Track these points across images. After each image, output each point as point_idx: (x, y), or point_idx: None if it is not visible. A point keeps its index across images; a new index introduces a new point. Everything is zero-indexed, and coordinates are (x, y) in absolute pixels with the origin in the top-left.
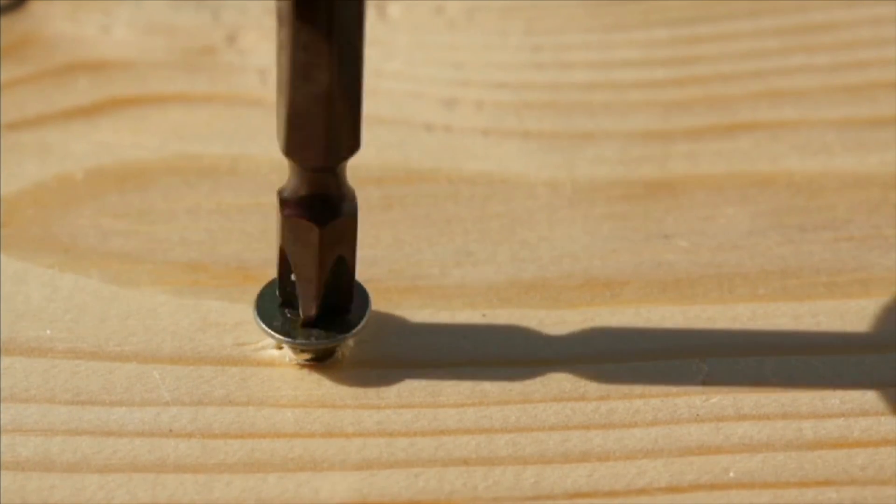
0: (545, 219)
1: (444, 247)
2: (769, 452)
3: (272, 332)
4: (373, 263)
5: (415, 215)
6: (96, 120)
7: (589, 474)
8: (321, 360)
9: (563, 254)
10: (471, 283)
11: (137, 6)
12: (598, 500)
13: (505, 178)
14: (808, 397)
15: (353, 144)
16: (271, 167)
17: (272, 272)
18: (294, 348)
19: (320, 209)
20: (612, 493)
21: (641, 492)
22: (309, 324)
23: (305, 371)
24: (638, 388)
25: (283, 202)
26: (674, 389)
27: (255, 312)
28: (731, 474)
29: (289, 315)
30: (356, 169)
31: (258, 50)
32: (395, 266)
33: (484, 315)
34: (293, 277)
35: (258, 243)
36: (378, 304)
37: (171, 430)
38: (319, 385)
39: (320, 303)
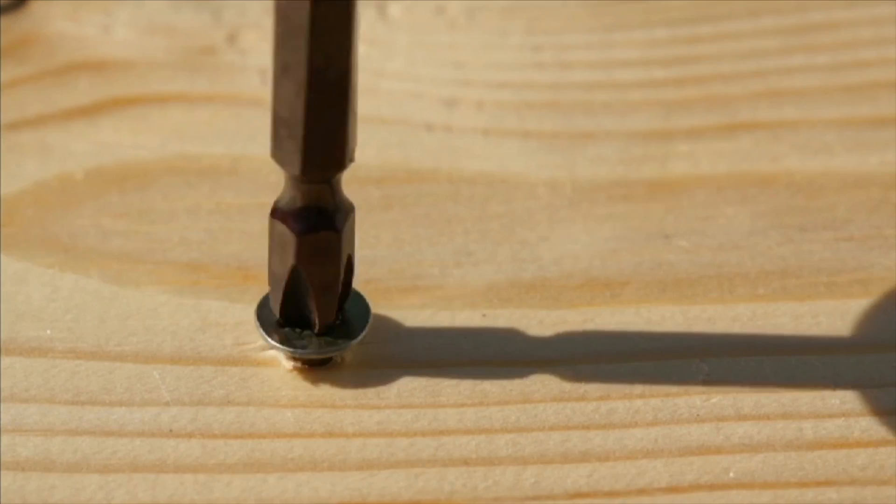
0: (545, 219)
1: (444, 247)
2: (769, 452)
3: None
4: (373, 263)
5: (415, 215)
6: (96, 120)
7: (589, 474)
8: (319, 365)
9: (563, 254)
10: (471, 283)
11: (137, 6)
12: (598, 500)
13: (505, 178)
14: (808, 397)
15: (340, 158)
16: (272, 167)
17: None
18: (286, 354)
19: (332, 216)
20: (612, 493)
21: (641, 492)
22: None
23: (305, 371)
24: (638, 388)
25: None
26: (674, 389)
27: (258, 323)
28: (732, 474)
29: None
30: (356, 169)
31: (258, 50)
32: (395, 266)
33: (484, 315)
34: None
35: (258, 243)
36: (378, 304)
37: (171, 430)
38: (319, 385)
39: (339, 308)
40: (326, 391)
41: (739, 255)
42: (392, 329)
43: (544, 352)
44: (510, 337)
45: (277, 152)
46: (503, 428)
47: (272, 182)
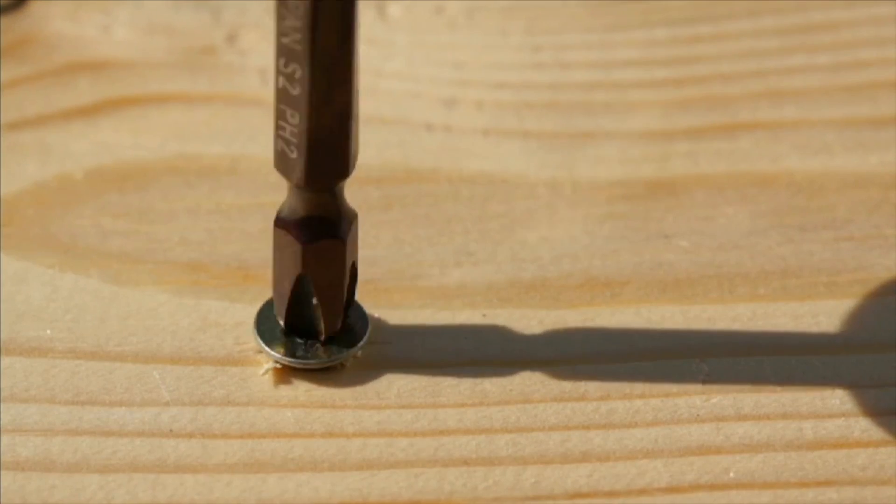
0: (545, 219)
1: (444, 247)
2: (769, 452)
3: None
4: (373, 263)
5: (415, 215)
6: (96, 120)
7: (589, 474)
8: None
9: (563, 254)
10: (471, 283)
11: (137, 6)
12: (598, 500)
13: (505, 178)
14: (808, 397)
15: (343, 166)
16: (271, 167)
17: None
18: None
19: (336, 224)
20: (612, 493)
21: (641, 492)
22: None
23: (305, 372)
24: (638, 388)
25: (296, 229)
26: (674, 389)
27: (260, 340)
28: (732, 474)
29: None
30: (356, 169)
31: (258, 50)
32: (395, 266)
33: (484, 315)
34: (314, 301)
35: (258, 243)
36: (378, 304)
37: (171, 430)
38: (319, 385)
39: (344, 315)
40: (326, 391)
41: (739, 255)
42: (392, 329)
43: (544, 352)
44: (510, 337)
45: (280, 164)
46: (503, 428)
47: (272, 182)
